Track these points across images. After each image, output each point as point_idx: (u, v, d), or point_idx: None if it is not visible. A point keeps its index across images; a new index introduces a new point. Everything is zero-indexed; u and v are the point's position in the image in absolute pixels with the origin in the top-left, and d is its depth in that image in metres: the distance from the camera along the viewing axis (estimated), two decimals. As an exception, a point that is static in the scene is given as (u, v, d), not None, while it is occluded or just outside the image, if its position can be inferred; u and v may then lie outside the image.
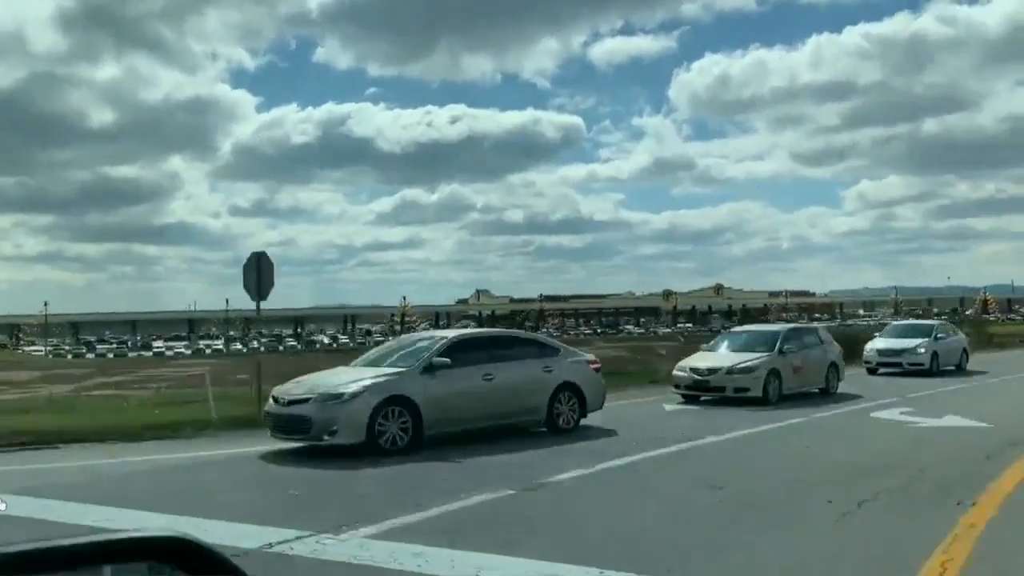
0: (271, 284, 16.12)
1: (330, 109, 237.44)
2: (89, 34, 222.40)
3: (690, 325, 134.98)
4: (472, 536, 6.30)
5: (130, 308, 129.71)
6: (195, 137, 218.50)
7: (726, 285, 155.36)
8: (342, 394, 10.54)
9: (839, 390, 17.73)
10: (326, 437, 10.44)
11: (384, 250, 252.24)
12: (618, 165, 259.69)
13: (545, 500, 7.66)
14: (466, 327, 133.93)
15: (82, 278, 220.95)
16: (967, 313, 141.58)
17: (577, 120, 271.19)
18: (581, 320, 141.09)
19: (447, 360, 11.24)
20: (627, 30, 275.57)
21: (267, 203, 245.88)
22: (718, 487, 8.04)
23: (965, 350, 24.95)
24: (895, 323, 28.42)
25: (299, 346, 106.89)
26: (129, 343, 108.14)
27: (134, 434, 13.10)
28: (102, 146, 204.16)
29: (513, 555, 5.70)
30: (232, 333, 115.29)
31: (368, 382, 10.76)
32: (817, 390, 17.42)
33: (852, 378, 19.22)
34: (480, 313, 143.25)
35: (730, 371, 16.10)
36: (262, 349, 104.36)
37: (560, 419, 12.17)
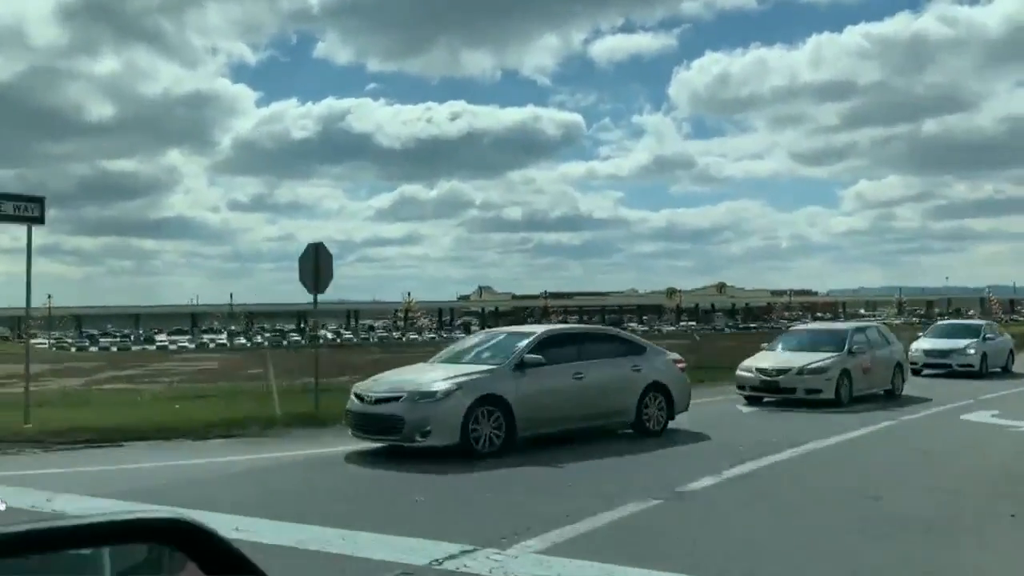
0: (330, 276, 15.61)
1: (330, 104, 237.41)
2: (89, 27, 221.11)
3: (693, 323, 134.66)
4: (652, 552, 5.80)
5: (128, 302, 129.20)
6: (194, 131, 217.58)
7: (726, 284, 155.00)
8: (434, 392, 10.01)
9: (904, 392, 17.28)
10: (418, 438, 9.91)
11: (383, 246, 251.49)
12: (618, 163, 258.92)
13: (698, 511, 7.13)
14: (469, 324, 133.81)
15: (80, 271, 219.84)
16: (970, 313, 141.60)
17: (577, 117, 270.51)
18: (585, 317, 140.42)
19: (540, 357, 10.72)
20: (627, 28, 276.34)
21: (266, 198, 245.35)
22: (874, 497, 7.53)
23: (1012, 351, 24.51)
24: (940, 323, 27.94)
25: (303, 341, 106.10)
26: (132, 337, 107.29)
27: (199, 432, 12.57)
28: (101, 140, 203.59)
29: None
30: (234, 327, 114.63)
31: (460, 380, 10.22)
32: (883, 392, 16.94)
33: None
34: (483, 310, 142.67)
35: (800, 372, 15.60)
36: (266, 344, 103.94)
37: (649, 421, 11.66)
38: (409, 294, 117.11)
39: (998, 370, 22.97)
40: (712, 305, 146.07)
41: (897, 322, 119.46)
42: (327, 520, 6.75)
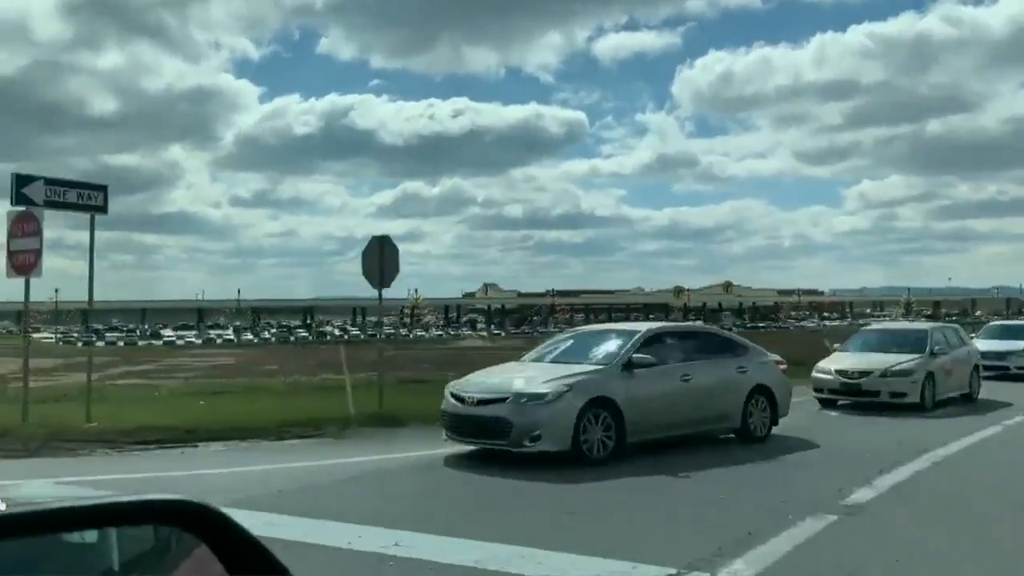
0: (396, 271, 15.03)
1: (333, 100, 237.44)
2: (92, 22, 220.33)
3: (700, 322, 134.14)
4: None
5: (128, 297, 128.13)
6: (197, 126, 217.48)
7: (732, 283, 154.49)
8: (544, 394, 9.40)
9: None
10: (527, 443, 9.29)
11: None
12: (620, 161, 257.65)
13: (886, 528, 6.53)
14: (475, 321, 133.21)
15: (80, 266, 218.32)
16: (977, 314, 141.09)
17: (580, 115, 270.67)
18: (591, 316, 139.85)
19: (650, 357, 10.13)
20: (631, 26, 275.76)
21: (268, 194, 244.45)
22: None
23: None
24: (992, 323, 27.33)
25: (310, 337, 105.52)
26: (138, 331, 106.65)
27: (274, 432, 11.99)
28: (103, 134, 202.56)
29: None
30: (238, 323, 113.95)
31: (570, 380, 9.62)
32: (959, 395, 16.36)
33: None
34: (489, 307, 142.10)
35: (884, 374, 15.01)
36: (273, 340, 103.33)
37: (753, 427, 11.08)
38: (416, 291, 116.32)
39: None
40: (719, 304, 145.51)
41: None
42: (486, 534, 6.18)
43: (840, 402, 15.42)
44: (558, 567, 5.36)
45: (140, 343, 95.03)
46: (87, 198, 12.67)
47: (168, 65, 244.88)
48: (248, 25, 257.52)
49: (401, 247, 15.41)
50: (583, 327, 13.80)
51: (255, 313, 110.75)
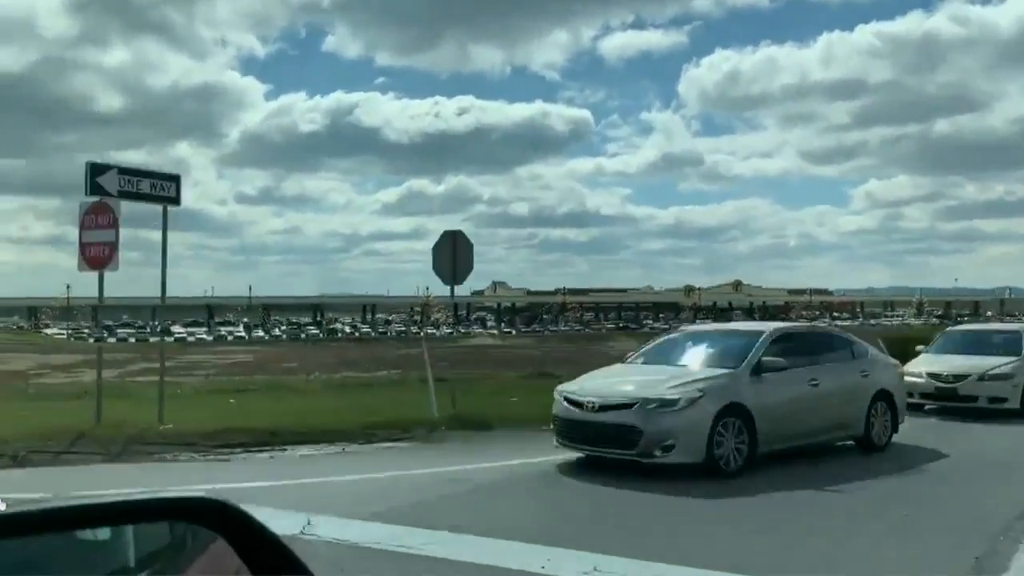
0: (469, 266, 14.44)
1: (338, 98, 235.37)
2: (99, 18, 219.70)
3: (711, 320, 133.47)
4: None
5: (133, 293, 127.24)
6: (203, 124, 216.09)
7: (742, 282, 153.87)
8: (676, 400, 8.75)
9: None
10: (658, 453, 8.64)
11: (389, 240, 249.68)
12: (626, 159, 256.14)
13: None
14: (485, 319, 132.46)
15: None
16: (988, 315, 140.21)
17: (586, 114, 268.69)
18: (601, 315, 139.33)
19: (782, 360, 9.49)
20: (638, 24, 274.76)
21: (274, 191, 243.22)
22: None
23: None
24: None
25: (321, 335, 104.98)
26: (148, 328, 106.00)
27: (360, 435, 11.36)
28: (110, 131, 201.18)
29: None
30: (246, 320, 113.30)
31: (701, 385, 8.97)
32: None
33: None
34: (499, 305, 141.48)
35: (982, 377, 14.35)
36: (284, 337, 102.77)
37: (875, 435, 10.44)
38: (428, 288, 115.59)
39: None
40: (729, 303, 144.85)
41: (918, 322, 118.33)
42: (673, 556, 5.58)
43: (927, 407, 14.76)
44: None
45: (152, 340, 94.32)
46: (160, 188, 12.09)
47: (174, 62, 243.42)
48: (254, 22, 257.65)
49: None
50: (690, 326, 13.15)
51: (266, 310, 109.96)
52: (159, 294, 13.20)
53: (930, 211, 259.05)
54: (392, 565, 5.50)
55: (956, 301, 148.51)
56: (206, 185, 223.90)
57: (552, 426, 9.66)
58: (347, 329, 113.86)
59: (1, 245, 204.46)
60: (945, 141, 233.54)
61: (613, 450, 8.94)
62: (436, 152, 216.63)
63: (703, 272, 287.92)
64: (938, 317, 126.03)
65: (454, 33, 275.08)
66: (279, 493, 7.79)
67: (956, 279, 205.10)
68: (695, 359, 10.02)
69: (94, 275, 11.65)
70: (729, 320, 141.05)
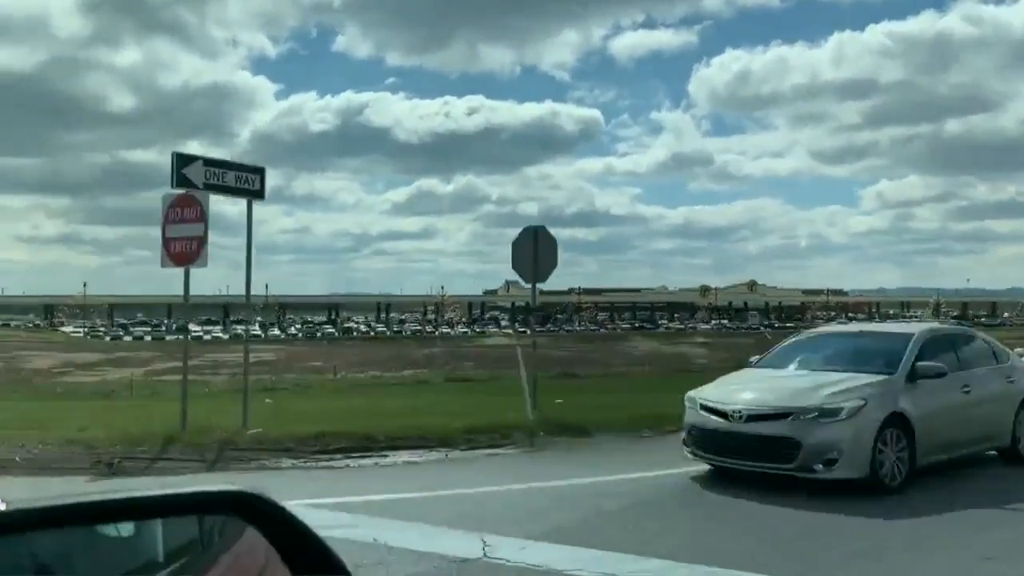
0: (553, 264, 13.82)
1: (349, 98, 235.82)
2: (111, 18, 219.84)
3: (726, 321, 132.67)
4: None
5: (142, 291, 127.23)
6: (214, 123, 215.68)
7: (756, 282, 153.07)
8: (839, 409, 8.02)
9: None
10: (819, 468, 7.89)
11: (398, 239, 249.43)
12: (635, 159, 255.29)
13: None
14: (498, 318, 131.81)
15: (97, 261, 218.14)
16: (1005, 315, 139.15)
17: (595, 113, 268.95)
18: (615, 314, 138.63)
19: (940, 365, 8.82)
20: (648, 24, 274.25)
21: (283, 190, 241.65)
22: None
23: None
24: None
25: (336, 333, 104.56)
26: (164, 326, 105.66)
27: (458, 441, 10.76)
28: (121, 130, 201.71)
29: None
30: (259, 319, 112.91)
31: (862, 393, 8.25)
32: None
33: None
34: (513, 304, 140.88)
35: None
36: (300, 336, 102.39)
37: (1022, 447, 9.74)
38: (443, 288, 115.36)
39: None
40: (745, 303, 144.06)
41: (934, 323, 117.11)
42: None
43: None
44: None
45: (168, 338, 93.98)
46: (245, 181, 11.53)
47: (186, 62, 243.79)
48: (265, 22, 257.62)
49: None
50: (819, 328, 12.40)
51: (282, 309, 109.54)
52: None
53: (941, 211, 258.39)
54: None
55: (972, 302, 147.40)
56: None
57: (687, 436, 8.97)
58: (362, 328, 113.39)
59: (12, 243, 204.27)
60: (957, 141, 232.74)
61: (764, 464, 8.23)
62: (445, 152, 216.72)
63: (713, 272, 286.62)
64: (954, 318, 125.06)
65: (464, 33, 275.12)
66: (420, 506, 7.21)
67: (968, 280, 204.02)
68: (838, 364, 9.32)
69: (179, 271, 11.08)
70: (745, 320, 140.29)
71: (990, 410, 9.44)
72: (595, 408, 13.77)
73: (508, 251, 13.79)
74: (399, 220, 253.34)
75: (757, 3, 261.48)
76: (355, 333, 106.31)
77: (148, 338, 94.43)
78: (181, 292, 11.60)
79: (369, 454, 10.20)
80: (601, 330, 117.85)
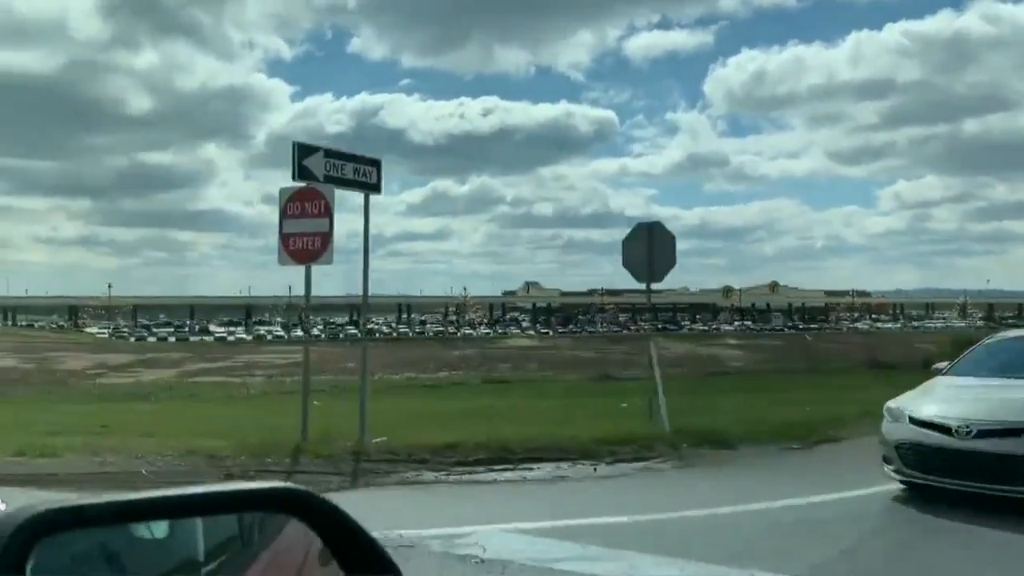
0: (671, 262, 13.03)
1: (364, 99, 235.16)
2: (129, 21, 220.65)
3: (749, 322, 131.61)
4: None
5: (160, 292, 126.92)
6: (230, 125, 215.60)
7: (778, 283, 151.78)
8: None
9: None
10: None
11: (413, 240, 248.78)
12: (651, 160, 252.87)
13: None
14: (519, 320, 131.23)
15: (116, 262, 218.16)
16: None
17: (610, 114, 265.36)
18: (637, 315, 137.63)
19: None
20: (663, 24, 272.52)
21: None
22: None
23: None
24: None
25: (359, 335, 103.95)
26: (187, 327, 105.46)
27: (604, 452, 9.98)
28: (139, 132, 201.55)
29: None
30: (279, 320, 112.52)
31: None
32: None
33: None
34: (534, 305, 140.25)
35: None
36: (323, 336, 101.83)
37: None
38: (465, 289, 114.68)
39: None
40: (767, 304, 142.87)
41: (961, 324, 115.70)
42: None
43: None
44: None
45: (192, 339, 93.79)
46: (362, 174, 10.80)
47: (202, 64, 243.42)
48: (281, 24, 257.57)
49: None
50: (1009, 332, 11.47)
51: (304, 310, 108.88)
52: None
53: (959, 212, 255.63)
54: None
55: (997, 303, 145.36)
56: (234, 186, 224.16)
57: (894, 452, 8.10)
58: (384, 329, 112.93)
59: (32, 245, 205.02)
60: (975, 141, 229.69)
61: (996, 486, 7.40)
62: (460, 153, 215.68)
63: (729, 273, 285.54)
64: (983, 320, 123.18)
65: (479, 34, 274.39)
66: (638, 533, 6.43)
67: (988, 280, 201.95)
68: (1005, 368, 8.53)
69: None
70: (769, 321, 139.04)
71: None
72: (702, 412, 12.97)
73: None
74: (414, 221, 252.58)
75: (773, 3, 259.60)
76: (377, 335, 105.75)
77: (172, 339, 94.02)
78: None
79: (510, 466, 9.46)
80: (624, 331, 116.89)
